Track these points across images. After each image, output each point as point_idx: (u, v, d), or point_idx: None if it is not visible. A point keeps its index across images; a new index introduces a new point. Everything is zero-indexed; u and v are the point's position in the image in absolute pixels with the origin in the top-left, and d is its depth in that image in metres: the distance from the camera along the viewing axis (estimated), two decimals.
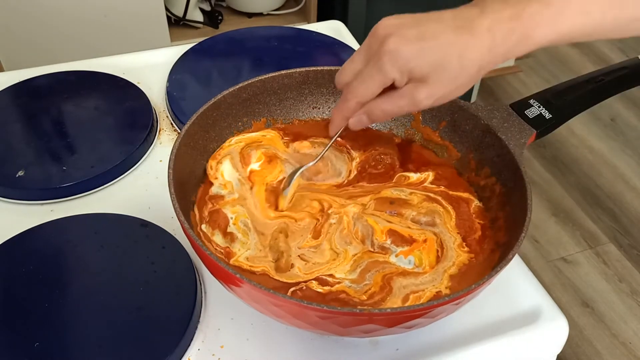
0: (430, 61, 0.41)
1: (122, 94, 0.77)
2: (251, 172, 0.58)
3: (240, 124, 0.60)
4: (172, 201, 0.47)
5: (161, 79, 0.81)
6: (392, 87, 0.45)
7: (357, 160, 0.61)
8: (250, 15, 1.71)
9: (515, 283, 0.58)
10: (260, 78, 0.60)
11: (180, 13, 1.58)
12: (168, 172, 0.49)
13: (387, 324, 0.43)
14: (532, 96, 0.59)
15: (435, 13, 0.43)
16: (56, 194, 0.65)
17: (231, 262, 0.51)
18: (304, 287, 0.49)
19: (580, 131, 1.94)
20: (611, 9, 0.41)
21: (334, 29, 0.94)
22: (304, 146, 0.61)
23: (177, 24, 1.62)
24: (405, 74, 0.43)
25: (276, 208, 0.55)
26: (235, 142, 0.60)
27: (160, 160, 0.70)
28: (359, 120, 0.48)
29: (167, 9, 1.54)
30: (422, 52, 0.41)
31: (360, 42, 0.92)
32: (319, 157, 0.56)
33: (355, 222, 0.54)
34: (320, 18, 1.69)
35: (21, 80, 0.79)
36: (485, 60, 0.42)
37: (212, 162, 0.58)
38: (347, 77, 0.46)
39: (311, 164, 0.56)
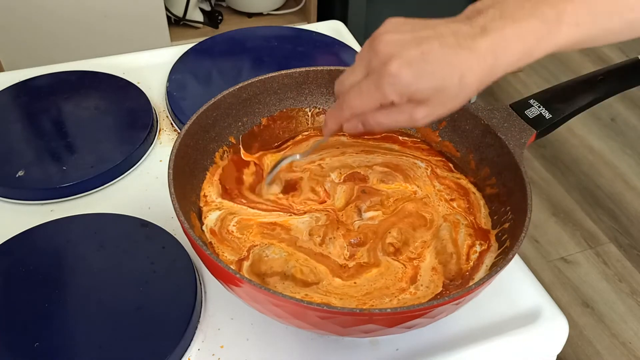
0: (431, 85, 0.41)
1: (122, 94, 0.77)
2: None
3: (240, 124, 0.60)
4: (172, 201, 0.47)
5: (161, 79, 0.81)
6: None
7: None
8: (250, 15, 1.71)
9: (515, 283, 0.58)
10: (260, 78, 0.60)
11: (180, 13, 1.58)
12: (168, 172, 0.49)
13: (387, 324, 0.43)
14: (532, 96, 0.59)
15: (432, 24, 0.43)
16: (56, 194, 0.65)
17: None
18: None
19: (580, 131, 1.94)
20: (599, 22, 0.42)
21: (334, 29, 0.94)
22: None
23: (177, 24, 1.62)
24: (405, 97, 0.42)
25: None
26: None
27: (160, 160, 0.70)
28: (353, 126, 0.47)
29: (167, 9, 1.54)
30: (424, 77, 0.41)
31: (360, 42, 0.92)
32: (307, 152, 0.56)
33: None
34: (320, 18, 1.69)
35: (21, 80, 0.79)
36: (485, 78, 0.43)
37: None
38: (345, 87, 0.46)
39: (298, 157, 0.56)
